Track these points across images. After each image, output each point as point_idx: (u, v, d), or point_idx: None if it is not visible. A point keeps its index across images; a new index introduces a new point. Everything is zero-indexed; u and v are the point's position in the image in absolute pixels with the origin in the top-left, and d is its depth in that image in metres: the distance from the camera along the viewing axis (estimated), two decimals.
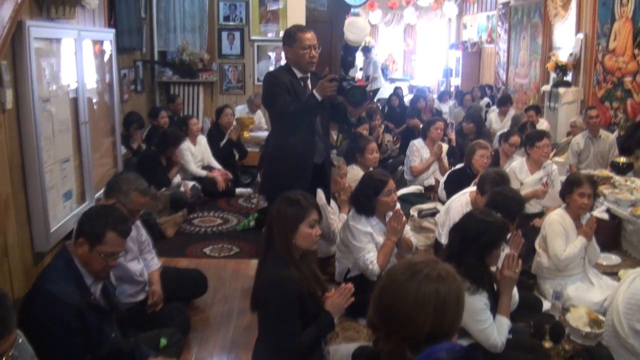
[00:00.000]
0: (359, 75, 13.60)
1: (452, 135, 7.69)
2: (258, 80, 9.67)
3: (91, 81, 4.43)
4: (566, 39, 9.31)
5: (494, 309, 3.18)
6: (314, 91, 3.75)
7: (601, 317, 3.61)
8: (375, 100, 10.95)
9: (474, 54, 14.48)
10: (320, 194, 4.38)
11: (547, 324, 3.46)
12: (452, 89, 14.70)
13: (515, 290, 3.34)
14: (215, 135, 7.65)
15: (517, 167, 5.55)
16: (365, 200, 3.97)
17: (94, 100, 4.49)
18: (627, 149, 6.44)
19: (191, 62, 9.26)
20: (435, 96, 12.84)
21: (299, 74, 4.00)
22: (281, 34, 4.63)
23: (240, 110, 9.17)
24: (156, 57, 9.41)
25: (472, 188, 4.72)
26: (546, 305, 4.03)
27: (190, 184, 6.60)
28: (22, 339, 2.27)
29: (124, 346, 3.02)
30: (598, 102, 7.98)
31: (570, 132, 7.82)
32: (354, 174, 5.30)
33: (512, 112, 9.18)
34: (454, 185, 5.19)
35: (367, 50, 14.67)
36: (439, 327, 1.70)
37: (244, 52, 9.83)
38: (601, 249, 4.46)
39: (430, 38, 17.80)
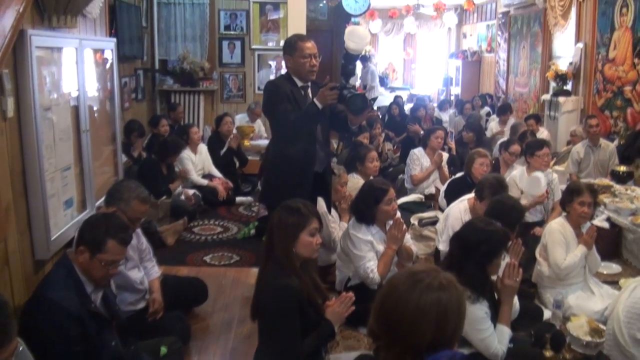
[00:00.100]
0: (357, 84, 13.63)
1: (452, 144, 7.70)
2: (258, 89, 9.71)
3: (92, 89, 4.44)
4: (566, 48, 9.33)
5: (495, 318, 3.17)
6: (315, 99, 3.75)
7: (602, 326, 3.60)
8: (375, 108, 10.97)
9: (473, 63, 14.52)
10: (321, 203, 4.38)
11: (547, 333, 3.45)
12: (452, 97, 14.73)
13: (515, 299, 3.34)
14: (215, 144, 7.66)
15: (517, 176, 5.55)
16: (365, 209, 3.97)
17: (95, 109, 4.50)
18: (627, 158, 6.44)
19: (192, 71, 9.29)
20: (435, 105, 12.86)
21: (299, 83, 4.01)
22: (282, 43, 4.64)
23: (240, 119, 9.18)
24: (157, 66, 9.45)
25: (470, 195, 4.73)
26: (547, 314, 4.02)
27: (191, 192, 6.60)
28: (23, 346, 2.26)
29: (124, 354, 3.02)
30: (598, 111, 7.99)
31: (570, 141, 7.83)
32: (355, 182, 5.30)
33: (511, 120, 9.20)
34: (454, 193, 5.18)
35: (365, 59, 14.71)
36: (440, 336, 1.70)
37: (245, 60, 9.87)
38: (602, 258, 4.45)
39: (430, 47, 17.85)
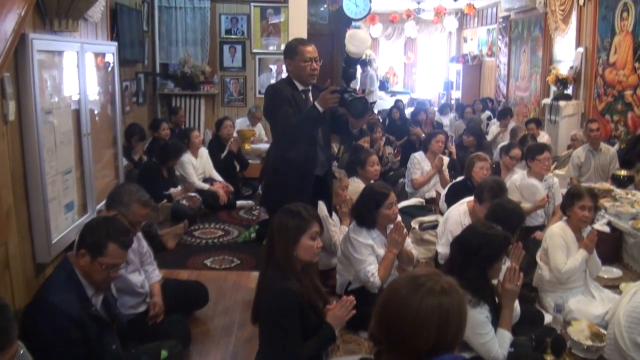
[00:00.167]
0: (356, 88, 13.65)
1: (453, 148, 7.70)
2: (259, 92, 9.72)
3: (93, 93, 4.44)
4: (566, 53, 9.35)
5: (496, 322, 3.17)
6: (316, 103, 3.75)
7: (602, 331, 3.60)
8: (375, 112, 10.98)
9: (474, 67, 14.54)
10: (322, 206, 4.38)
11: (548, 337, 3.45)
12: (453, 101, 14.74)
13: (516, 303, 3.34)
14: (215, 147, 7.67)
15: (517, 181, 5.55)
16: (366, 213, 3.97)
17: (96, 112, 4.50)
18: (628, 162, 6.45)
19: (193, 75, 9.31)
20: (436, 109, 12.88)
21: (300, 87, 4.01)
22: (282, 47, 4.65)
23: (241, 123, 9.19)
24: (158, 70, 9.48)
25: (470, 198, 4.73)
26: (547, 318, 4.01)
27: (192, 194, 6.61)
28: (23, 350, 2.27)
29: (124, 358, 3.02)
30: (599, 115, 8.00)
31: (570, 145, 7.84)
32: (355, 186, 5.30)
33: (512, 124, 9.21)
34: (455, 197, 5.18)
35: (364, 63, 14.74)
36: (441, 340, 1.69)
37: (246, 64, 9.89)
38: (602, 262, 4.45)
39: (430, 51, 17.89)
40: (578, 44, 8.73)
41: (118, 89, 5.00)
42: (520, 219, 4.02)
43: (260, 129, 9.12)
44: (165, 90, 9.44)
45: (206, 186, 6.97)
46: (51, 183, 3.60)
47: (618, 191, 5.78)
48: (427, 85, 17.93)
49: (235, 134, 8.21)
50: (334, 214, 4.78)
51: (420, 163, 6.72)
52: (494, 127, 9.79)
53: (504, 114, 9.56)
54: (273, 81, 8.93)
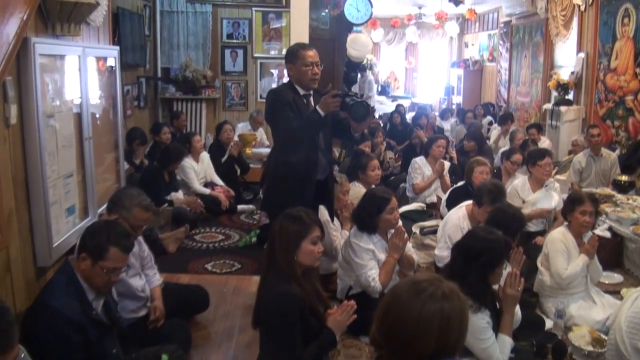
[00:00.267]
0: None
1: (454, 153, 7.71)
2: (261, 97, 9.72)
3: (95, 97, 4.45)
4: (568, 58, 9.36)
5: (496, 328, 3.17)
6: (317, 107, 3.75)
7: (603, 336, 3.59)
8: (376, 116, 10.98)
9: (475, 72, 14.56)
10: (323, 211, 4.38)
11: (549, 343, 3.45)
12: (454, 106, 14.76)
13: (517, 309, 3.33)
14: (216, 152, 7.66)
15: (519, 186, 5.56)
16: (367, 218, 3.97)
17: (98, 116, 4.51)
18: (629, 167, 6.44)
19: (194, 79, 9.32)
20: (437, 114, 12.88)
21: (301, 91, 4.01)
22: (284, 51, 4.65)
23: (242, 127, 9.19)
24: (159, 74, 9.48)
25: (469, 202, 4.75)
26: (548, 323, 4.01)
27: (193, 197, 6.61)
28: (24, 353, 2.27)
29: None
30: (600, 120, 8.00)
31: (571, 150, 7.84)
32: (356, 191, 5.31)
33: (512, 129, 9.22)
34: (456, 202, 5.18)
35: (362, 69, 14.75)
36: (442, 346, 1.69)
37: (247, 69, 9.89)
38: (603, 268, 4.44)
39: (432, 56, 17.92)
40: (579, 50, 8.74)
41: (119, 93, 5.01)
42: (521, 224, 4.02)
43: (261, 134, 9.12)
44: (166, 94, 9.45)
45: (207, 191, 6.97)
46: (52, 187, 3.61)
47: (619, 196, 5.78)
48: (428, 90, 17.95)
49: (236, 138, 8.22)
50: (335, 218, 4.78)
51: (421, 168, 6.73)
52: (495, 132, 9.80)
53: (505, 119, 9.58)
54: (274, 85, 8.95)
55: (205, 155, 7.31)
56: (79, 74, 4.07)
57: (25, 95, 3.33)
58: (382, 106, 14.67)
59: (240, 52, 9.85)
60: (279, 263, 2.88)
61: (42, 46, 3.45)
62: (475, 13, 12.22)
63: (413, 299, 1.71)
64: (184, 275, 5.10)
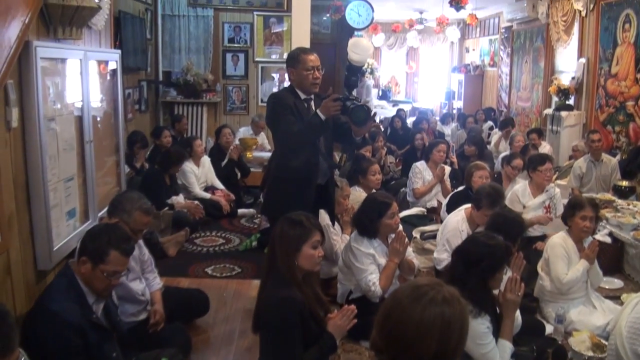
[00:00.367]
0: None
1: (454, 158, 7.71)
2: (262, 101, 9.74)
3: (96, 100, 4.45)
4: (568, 63, 9.36)
5: (497, 333, 3.17)
6: (318, 110, 3.75)
7: (604, 342, 3.59)
8: (377, 120, 10.99)
9: (476, 77, 14.57)
10: (323, 215, 4.38)
11: (549, 348, 3.44)
12: (455, 111, 14.77)
13: (517, 314, 3.33)
14: (216, 156, 7.67)
15: (519, 191, 5.56)
16: (368, 222, 3.97)
17: (99, 120, 4.51)
18: (630, 173, 6.45)
19: (195, 83, 9.34)
20: (437, 118, 12.90)
21: (302, 96, 4.01)
22: (285, 55, 4.65)
23: (244, 131, 9.20)
24: (161, 77, 9.50)
25: (467, 205, 4.76)
26: (549, 328, 4.01)
27: (194, 203, 6.61)
28: (24, 357, 2.26)
29: None
30: (600, 125, 8.01)
31: (572, 155, 7.84)
32: (357, 195, 5.31)
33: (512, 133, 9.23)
34: (456, 206, 5.18)
35: (361, 73, 14.74)
36: (443, 350, 1.69)
37: (248, 73, 9.92)
38: (604, 273, 4.44)
39: (432, 61, 17.92)
40: (580, 55, 8.75)
41: (121, 96, 5.02)
42: (521, 228, 4.02)
43: (263, 138, 9.13)
44: (167, 98, 9.47)
45: (208, 195, 6.97)
46: (53, 190, 3.61)
47: (619, 202, 5.78)
48: (429, 95, 17.96)
49: (237, 142, 8.22)
50: (335, 222, 4.78)
51: (421, 172, 6.73)
52: (495, 137, 9.81)
53: (506, 124, 9.58)
54: (275, 90, 8.97)
55: (206, 160, 7.32)
56: (80, 78, 4.07)
57: (27, 98, 3.33)
58: (383, 111, 14.66)
59: (241, 56, 9.87)
60: (279, 267, 2.88)
61: (44, 50, 3.45)
62: (476, 18, 12.22)
63: (414, 304, 1.71)
64: (184, 279, 5.10)
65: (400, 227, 4.12)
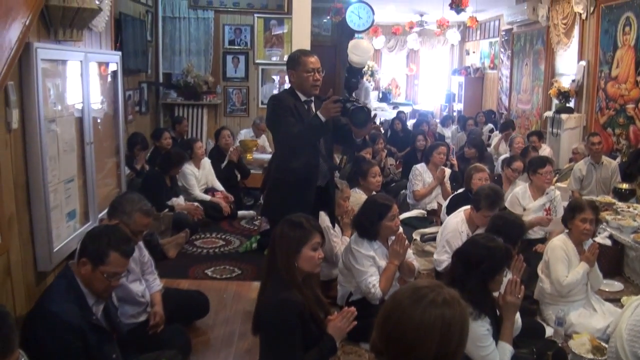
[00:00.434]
0: None
1: (455, 160, 7.72)
2: (262, 103, 9.73)
3: (96, 102, 4.46)
4: (569, 66, 9.37)
5: (497, 335, 3.16)
6: (318, 112, 3.74)
7: (604, 344, 3.59)
8: (378, 122, 10.99)
9: (476, 79, 14.58)
10: (324, 217, 4.38)
11: (549, 351, 3.44)
12: (455, 114, 14.77)
13: (517, 316, 3.33)
14: (215, 157, 7.67)
15: (520, 193, 5.55)
16: (368, 225, 3.97)
17: (99, 121, 4.52)
18: (630, 176, 6.45)
19: (196, 85, 9.33)
20: (437, 121, 12.90)
21: (302, 98, 4.01)
22: (285, 57, 4.66)
23: (245, 134, 9.21)
24: (161, 79, 9.50)
25: (467, 206, 4.76)
26: (549, 331, 4.01)
27: (194, 205, 6.61)
28: (24, 358, 2.26)
29: None
30: (600, 128, 8.01)
31: (572, 158, 7.84)
32: (357, 197, 5.31)
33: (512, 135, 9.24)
34: (456, 209, 5.19)
35: (360, 75, 14.73)
36: (443, 352, 1.69)
37: (249, 75, 9.91)
38: (604, 275, 4.44)
39: (433, 63, 17.93)
40: (580, 58, 8.76)
41: (121, 98, 5.02)
42: (521, 231, 4.03)
43: (264, 140, 9.12)
44: (168, 99, 9.47)
45: (207, 197, 6.97)
46: (53, 191, 3.61)
47: (620, 204, 5.79)
48: (429, 97, 17.96)
49: (237, 144, 8.22)
50: (335, 224, 4.78)
51: (421, 175, 6.74)
52: (496, 139, 9.82)
53: (506, 127, 9.60)
54: (276, 92, 8.96)
55: (206, 162, 7.32)
56: (80, 79, 4.07)
57: (27, 100, 3.33)
58: (383, 113, 14.67)
59: (241, 58, 9.87)
60: (279, 269, 2.88)
61: (44, 51, 3.45)
62: (477, 21, 12.22)
63: (414, 305, 1.71)
64: (184, 281, 5.10)
65: (401, 229, 4.12)
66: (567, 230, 4.34)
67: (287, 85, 4.33)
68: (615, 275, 5.16)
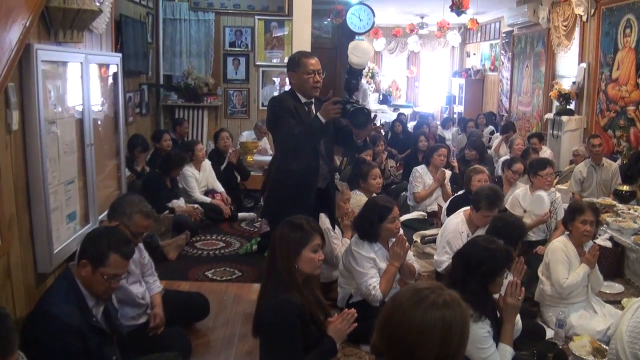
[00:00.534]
0: None
1: (455, 162, 7.71)
2: (262, 105, 9.73)
3: (97, 104, 4.46)
4: (569, 68, 9.36)
5: (497, 337, 3.16)
6: (318, 113, 3.74)
7: (604, 346, 3.59)
8: (378, 124, 10.98)
9: (477, 81, 14.57)
10: (324, 219, 4.38)
11: (550, 353, 3.44)
12: (455, 116, 14.77)
13: (518, 318, 3.32)
14: (215, 159, 7.66)
15: (520, 195, 5.55)
16: (369, 227, 3.96)
17: (99, 123, 4.52)
18: (630, 177, 6.44)
19: (196, 86, 9.33)
20: (438, 123, 12.90)
21: (303, 99, 4.01)
22: (286, 59, 4.66)
23: (247, 136, 9.21)
24: (162, 81, 9.50)
25: (466, 207, 4.76)
26: (549, 333, 4.00)
27: (194, 207, 6.61)
28: None
29: None
30: (601, 130, 8.01)
31: (573, 160, 7.84)
32: (357, 199, 5.31)
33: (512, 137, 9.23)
34: (456, 210, 5.19)
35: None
36: (443, 354, 1.69)
37: (249, 77, 9.91)
38: (604, 277, 4.44)
39: (433, 65, 17.93)
40: (581, 60, 8.75)
41: (121, 100, 5.03)
42: (522, 232, 4.03)
43: (265, 143, 9.11)
44: (168, 101, 9.46)
45: (208, 199, 6.97)
46: (54, 193, 3.61)
47: (620, 206, 5.78)
48: (430, 99, 17.96)
49: (238, 145, 8.21)
50: (336, 226, 4.77)
51: (422, 176, 6.74)
52: (496, 141, 9.82)
53: (507, 129, 9.60)
54: (276, 93, 8.96)
55: (207, 163, 7.32)
56: (81, 81, 4.08)
57: (27, 101, 3.33)
58: (384, 115, 14.66)
59: (242, 60, 9.87)
60: (279, 271, 2.88)
61: (45, 53, 3.46)
62: (477, 23, 12.22)
63: (414, 307, 1.70)
64: (184, 283, 5.09)
65: (401, 231, 4.12)
66: (567, 232, 4.34)
67: (287, 87, 4.33)
68: (616, 277, 5.16)
